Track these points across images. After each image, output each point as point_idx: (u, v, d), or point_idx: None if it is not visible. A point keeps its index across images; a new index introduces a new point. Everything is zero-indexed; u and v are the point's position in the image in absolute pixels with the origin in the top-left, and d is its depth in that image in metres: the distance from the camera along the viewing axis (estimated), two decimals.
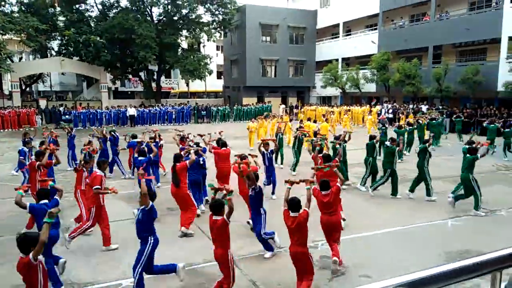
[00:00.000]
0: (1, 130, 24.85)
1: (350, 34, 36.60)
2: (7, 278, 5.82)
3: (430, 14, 27.89)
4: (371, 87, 31.50)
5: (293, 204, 5.08)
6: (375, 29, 32.74)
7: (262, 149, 9.76)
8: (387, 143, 10.25)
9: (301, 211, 5.07)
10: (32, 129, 14.23)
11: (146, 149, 10.03)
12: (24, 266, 3.84)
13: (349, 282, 5.76)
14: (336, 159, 8.46)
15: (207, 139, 10.70)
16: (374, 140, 10.69)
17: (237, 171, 7.60)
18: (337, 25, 36.65)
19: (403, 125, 16.47)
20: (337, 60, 35.30)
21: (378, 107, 28.41)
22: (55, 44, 33.57)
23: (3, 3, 27.23)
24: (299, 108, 34.58)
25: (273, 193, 9.90)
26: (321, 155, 8.72)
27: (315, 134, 12.47)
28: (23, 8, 29.89)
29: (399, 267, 6.13)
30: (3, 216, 8.76)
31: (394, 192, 10.02)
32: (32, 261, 3.84)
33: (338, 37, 37.01)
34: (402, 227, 8.00)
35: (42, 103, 31.45)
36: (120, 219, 8.31)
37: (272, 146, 10.07)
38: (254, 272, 6.05)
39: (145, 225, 5.44)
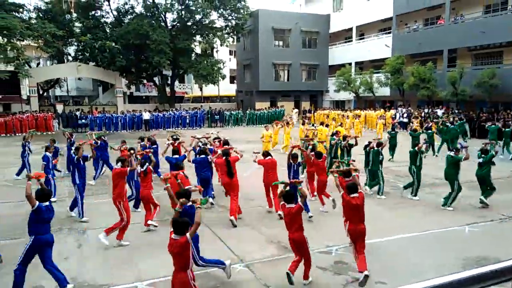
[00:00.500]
0: (19, 134, 25.37)
1: (363, 38, 36.40)
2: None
3: (445, 18, 27.58)
4: (385, 91, 31.23)
5: (352, 187, 5.99)
6: (389, 32, 32.50)
7: (291, 161, 8.97)
8: (451, 153, 9.60)
9: (359, 193, 5.98)
10: (28, 134, 14.27)
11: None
12: (181, 245, 4.50)
13: None
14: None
15: (212, 139, 11.46)
16: (416, 148, 10.27)
17: (173, 185, 6.64)
18: (350, 29, 36.50)
19: (417, 129, 16.33)
20: (350, 64, 35.11)
21: (393, 111, 28.15)
22: (71, 50, 34.27)
23: (21, 10, 27.93)
24: (312, 112, 34.48)
25: (307, 210, 8.44)
26: (313, 152, 9.85)
27: (345, 137, 12.02)
28: (41, 15, 30.63)
29: (415, 273, 6.06)
30: (19, 219, 8.88)
31: (447, 201, 9.50)
32: (189, 239, 4.53)
33: (351, 41, 36.84)
34: (418, 233, 7.90)
35: (59, 107, 32.14)
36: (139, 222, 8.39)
37: (300, 158, 9.39)
38: (267, 277, 6.05)
39: (30, 224, 5.58)
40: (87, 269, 6.34)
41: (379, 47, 32.52)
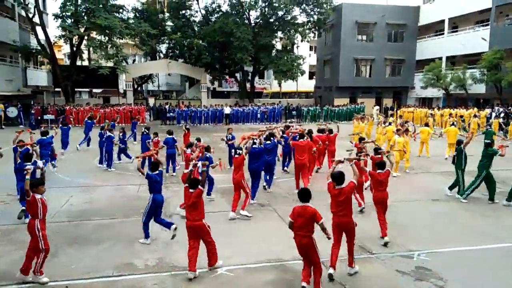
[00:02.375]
0: (117, 124, 28.01)
1: (456, 31, 33.73)
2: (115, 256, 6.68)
3: None
4: (479, 88, 28.70)
5: (381, 164, 7.26)
6: (487, 25, 29.71)
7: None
8: None
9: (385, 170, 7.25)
10: (105, 124, 15.06)
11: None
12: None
13: None
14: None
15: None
16: (498, 152, 9.40)
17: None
18: (442, 21, 34.08)
19: None
20: (440, 58, 32.79)
21: (487, 111, 25.86)
22: (163, 48, 36.88)
23: (121, 10, 30.74)
24: (395, 109, 32.92)
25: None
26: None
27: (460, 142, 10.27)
28: (137, 15, 33.38)
29: None
30: (119, 201, 9.95)
31: None
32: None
33: (443, 34, 34.37)
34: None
35: (151, 101, 34.96)
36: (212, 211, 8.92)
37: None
38: (343, 276, 6.04)
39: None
40: (171, 252, 6.83)
41: (474, 40, 29.90)
